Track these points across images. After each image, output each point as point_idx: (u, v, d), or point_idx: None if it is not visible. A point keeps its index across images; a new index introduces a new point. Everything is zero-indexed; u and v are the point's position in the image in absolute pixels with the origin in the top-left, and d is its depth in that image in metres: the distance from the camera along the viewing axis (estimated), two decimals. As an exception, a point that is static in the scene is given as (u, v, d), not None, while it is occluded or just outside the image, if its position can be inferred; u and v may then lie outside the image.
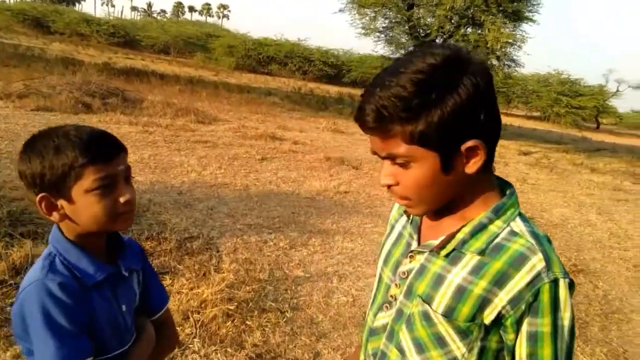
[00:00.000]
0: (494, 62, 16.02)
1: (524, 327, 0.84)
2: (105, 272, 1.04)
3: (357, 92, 28.38)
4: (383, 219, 5.51)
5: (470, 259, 0.88)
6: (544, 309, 0.82)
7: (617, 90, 45.42)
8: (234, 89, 18.45)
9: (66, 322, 0.93)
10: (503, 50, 15.07)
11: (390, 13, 16.94)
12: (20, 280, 2.87)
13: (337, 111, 17.09)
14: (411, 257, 0.97)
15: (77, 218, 0.99)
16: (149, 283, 1.23)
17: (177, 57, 39.43)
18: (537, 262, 0.82)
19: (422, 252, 0.95)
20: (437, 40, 17.07)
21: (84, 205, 0.97)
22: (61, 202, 0.98)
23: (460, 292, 0.87)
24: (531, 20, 15.93)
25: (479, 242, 0.88)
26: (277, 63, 39.11)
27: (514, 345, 0.87)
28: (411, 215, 1.02)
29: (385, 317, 1.00)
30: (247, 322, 2.93)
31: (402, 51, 19.21)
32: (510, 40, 14.70)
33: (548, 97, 36.59)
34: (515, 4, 15.15)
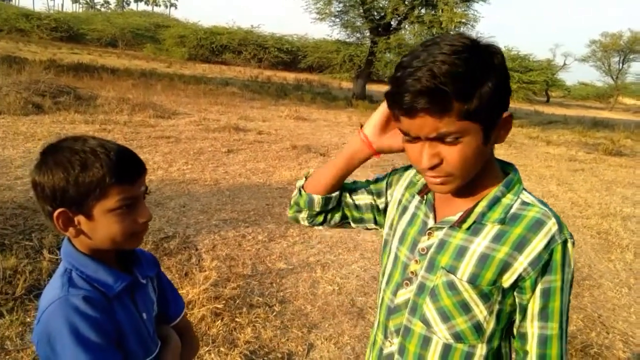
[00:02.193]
0: (449, 41, 16.24)
1: (539, 285, 0.93)
2: (125, 281, 1.01)
3: (315, 77, 28.37)
4: (357, 205, 5.53)
5: (491, 229, 0.95)
6: (557, 267, 0.92)
7: (564, 64, 47.19)
8: (190, 80, 18.02)
9: (96, 336, 0.89)
10: (457, 30, 15.30)
11: (345, -4, 16.89)
12: (-7, 296, 2.72)
13: (297, 98, 17.00)
14: (429, 233, 1.02)
15: (94, 235, 0.96)
16: (164, 290, 1.20)
17: (126, 49, 38.06)
18: (552, 225, 0.92)
19: (441, 228, 1.00)
20: (392, 23, 17.19)
21: (104, 224, 0.95)
22: (79, 218, 0.95)
23: (484, 259, 0.94)
24: (482, -1, 16.24)
25: (497, 213, 0.96)
26: (231, 52, 38.42)
27: (527, 304, 0.96)
28: (425, 196, 1.07)
29: (406, 294, 1.04)
30: (237, 320, 2.89)
31: (358, 35, 19.27)
32: (463, 20, 14.96)
33: None
34: (466, -17, 15.40)
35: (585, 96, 52.87)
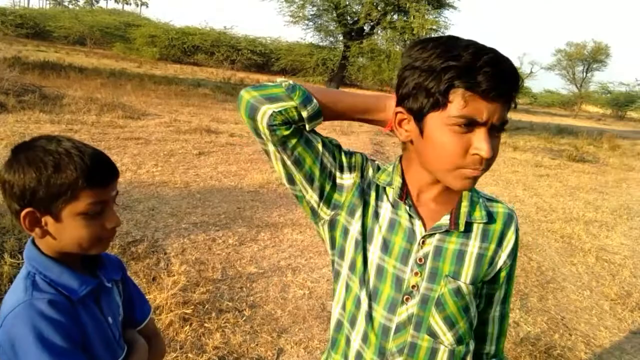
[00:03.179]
0: (420, 47, 16.52)
1: (505, 273, 1.04)
2: (89, 285, 0.99)
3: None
4: (328, 208, 5.55)
5: (477, 228, 0.99)
6: (516, 254, 1.04)
7: (531, 72, 48.50)
8: (160, 80, 17.76)
9: (61, 340, 0.88)
10: (428, 36, 15.57)
11: (318, 1, 16.97)
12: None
13: (269, 101, 16.95)
14: (423, 242, 0.97)
15: (60, 237, 0.95)
16: (130, 293, 1.18)
17: (94, 48, 37.25)
18: (516, 218, 1.03)
19: (432, 235, 0.98)
20: (365, 28, 17.35)
21: (71, 227, 0.94)
22: (47, 219, 0.93)
23: (480, 260, 0.98)
24: (452, 7, 16.57)
25: (478, 212, 0.99)
26: (204, 52, 38.06)
27: (494, 293, 1.05)
28: (406, 201, 0.99)
29: (409, 309, 0.98)
30: (206, 325, 2.86)
31: (331, 39, 19.38)
32: (434, 27, 15.22)
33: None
34: (437, -10, 15.69)
35: (551, 103, 54.52)
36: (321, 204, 1.03)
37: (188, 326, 2.80)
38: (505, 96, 0.84)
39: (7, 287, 2.87)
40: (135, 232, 4.09)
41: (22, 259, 3.24)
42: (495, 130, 0.87)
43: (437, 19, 15.63)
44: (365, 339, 1.01)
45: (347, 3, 16.57)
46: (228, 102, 15.15)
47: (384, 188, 1.02)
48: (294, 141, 0.97)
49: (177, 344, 2.64)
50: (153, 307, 2.89)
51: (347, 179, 1.02)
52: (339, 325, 1.07)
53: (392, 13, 16.12)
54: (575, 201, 7.74)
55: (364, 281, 1.01)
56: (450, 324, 0.98)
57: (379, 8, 15.86)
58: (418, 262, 0.97)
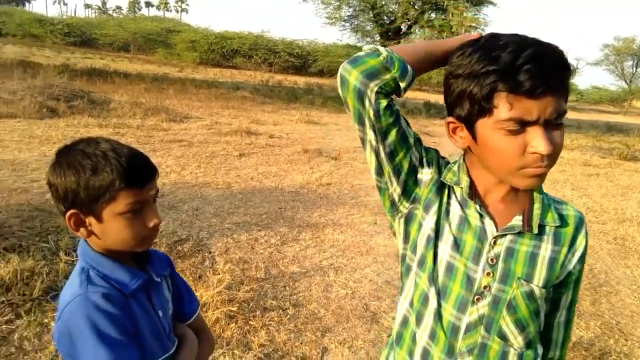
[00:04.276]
0: (460, 45, 16.22)
1: (574, 278, 1.02)
2: (140, 279, 1.02)
3: (326, 82, 28.41)
4: (369, 209, 5.53)
5: (549, 231, 0.96)
6: (584, 259, 1.01)
7: (577, 68, 46.84)
8: (201, 84, 18.13)
9: (115, 332, 0.91)
10: (467, 33, 15.28)
11: (355, 1, 16.94)
12: (12, 296, 2.76)
13: (308, 102, 17.02)
14: (495, 242, 0.96)
15: (104, 236, 0.98)
16: (178, 288, 1.21)
17: (138, 54, 38.43)
18: (585, 222, 1.00)
19: (503, 235, 0.96)
20: (402, 27, 17.19)
21: (113, 227, 0.97)
22: (90, 220, 0.97)
23: (552, 263, 0.96)
24: (491, 3, 16.19)
25: (550, 215, 0.97)
26: (242, 56, 38.64)
27: (561, 297, 1.02)
28: (476, 200, 0.97)
29: (480, 310, 0.97)
30: (251, 322, 2.89)
31: (368, 39, 19.28)
32: (473, 24, 14.91)
33: None
34: (476, -13, 15.37)
35: (599, 100, 52.41)
36: (402, 198, 1.03)
37: (234, 323, 2.85)
38: (553, 89, 0.82)
39: (63, 283, 2.99)
40: (180, 231, 4.18)
41: (76, 257, 3.36)
42: (552, 124, 0.84)
43: (476, 16, 15.32)
44: (433, 336, 1.00)
45: (384, 3, 16.47)
46: (267, 104, 15.31)
47: (452, 187, 1.02)
48: (393, 132, 0.96)
49: (223, 340, 2.69)
50: (200, 305, 2.95)
51: (426, 174, 1.02)
52: (405, 321, 1.06)
53: (429, 11, 15.92)
54: (628, 201, 7.41)
55: (432, 278, 1.00)
56: (522, 327, 0.96)
57: (416, 7, 15.69)
58: (490, 262, 0.96)
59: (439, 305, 0.99)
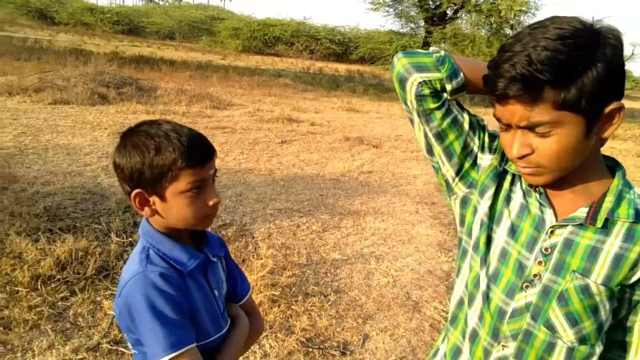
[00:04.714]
0: (508, 31, 15.69)
1: None
2: (198, 259, 1.06)
3: (367, 69, 28.15)
4: (411, 198, 5.48)
5: (621, 227, 0.90)
6: None
7: (632, 54, 44.53)
8: (244, 72, 18.33)
9: (170, 311, 0.95)
10: (517, 18, 14.73)
11: (399, -14, 16.61)
12: (67, 275, 2.90)
13: (349, 90, 16.94)
14: (552, 232, 0.94)
15: (167, 215, 1.02)
16: (232, 270, 1.25)
17: (183, 42, 39.16)
18: None
19: (564, 226, 0.93)
20: (448, 12, 16.78)
21: (175, 205, 1.00)
22: (154, 199, 1.01)
23: (618, 260, 0.89)
24: (544, -15, 15.53)
25: (625, 209, 0.89)
26: (284, 43, 38.67)
27: (639, 300, 0.93)
28: (537, 187, 0.98)
29: (527, 297, 0.97)
30: (293, 307, 2.94)
31: (412, 25, 18.94)
32: (524, 8, 14.36)
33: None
34: (527, -30, 14.75)
35: (655, 88, 49.65)
36: (457, 180, 1.08)
37: (276, 307, 2.90)
38: (516, 98, 0.82)
39: (115, 263, 3.13)
40: (225, 216, 4.28)
41: (127, 238, 3.49)
42: (532, 129, 0.85)
43: (527, 0, 14.73)
44: (481, 317, 1.03)
45: (430, -13, 16.08)
46: (308, 92, 15.33)
47: (518, 175, 1.02)
48: (438, 116, 1.03)
49: (266, 324, 2.74)
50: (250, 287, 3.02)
51: (486, 160, 1.05)
52: (461, 302, 1.10)
53: (477, -5, 15.45)
54: (685, 195, 7.03)
55: (485, 262, 1.02)
56: (573, 321, 0.93)
57: (463, -9, 15.26)
58: (544, 251, 0.95)
59: (488, 288, 1.02)
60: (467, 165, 1.06)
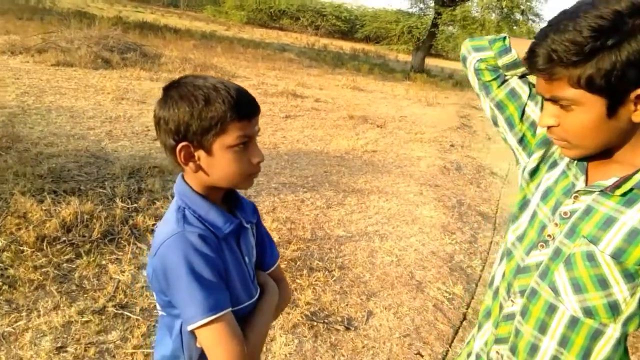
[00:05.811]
0: (518, 16, 15.49)
1: None
2: (233, 223, 1.03)
3: (372, 48, 27.81)
4: (415, 179, 5.46)
5: None
6: None
7: None
8: (248, 44, 18.08)
9: (209, 273, 0.92)
10: (528, 3, 14.51)
11: (411, -36, 16.28)
12: (73, 237, 2.88)
13: (354, 68, 16.74)
14: (575, 197, 0.96)
15: (211, 171, 0.98)
16: (262, 238, 1.22)
17: (187, 10, 38.53)
18: None
19: (589, 193, 0.94)
20: (459, -7, 16.50)
21: (221, 160, 0.96)
22: (199, 154, 0.97)
23: (634, 235, 0.86)
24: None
25: None
26: (289, 17, 38.14)
27: None
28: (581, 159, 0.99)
29: (540, 256, 1.00)
30: (298, 281, 2.94)
31: (421, 5, 18.64)
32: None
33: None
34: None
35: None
36: (520, 149, 1.15)
37: (281, 280, 2.90)
38: (540, 72, 0.85)
39: (120, 228, 3.11)
40: (229, 187, 4.25)
41: (131, 204, 3.46)
42: (556, 102, 0.88)
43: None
44: (503, 275, 1.10)
45: (442, -34, 15.77)
46: (312, 68, 15.15)
47: None
48: (495, 87, 1.16)
49: (271, 296, 2.75)
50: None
51: (540, 129, 1.11)
52: (497, 266, 1.16)
53: (490, -22, 15.19)
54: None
55: (516, 223, 1.10)
56: (577, 287, 0.92)
57: (476, -28, 14.98)
58: (562, 214, 0.97)
59: (514, 246, 1.08)
60: (528, 135, 1.13)
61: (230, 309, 0.94)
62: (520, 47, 1.10)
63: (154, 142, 5.11)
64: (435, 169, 6.06)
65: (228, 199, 1.10)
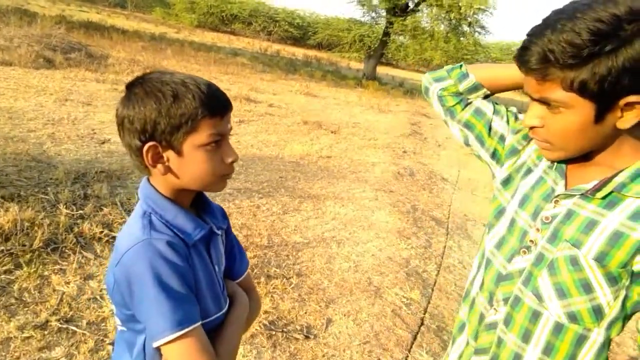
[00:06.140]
0: (466, 28, 16.05)
1: None
2: (203, 229, 0.96)
3: (324, 55, 28.02)
4: (370, 185, 5.49)
5: (630, 204, 0.86)
6: None
7: None
8: (200, 47, 17.75)
9: (178, 283, 0.85)
10: (475, 16, 15.06)
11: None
12: (12, 246, 2.69)
13: (307, 74, 16.79)
14: (556, 201, 0.95)
15: (182, 173, 0.91)
16: (232, 244, 1.15)
17: (135, 11, 37.43)
18: None
19: (570, 197, 0.93)
20: (409, 4, 16.92)
21: (192, 161, 0.89)
22: (168, 154, 0.89)
23: (617, 237, 0.85)
24: (501, -14, 15.94)
25: (638, 186, 0.86)
26: (241, 22, 37.84)
27: None
28: (557, 162, 0.99)
29: (522, 262, 0.99)
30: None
31: (373, 14, 18.97)
32: (482, 6, 14.69)
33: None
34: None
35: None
36: (494, 163, 1.16)
37: (238, 289, 2.81)
38: (532, 71, 0.84)
39: (64, 236, 2.93)
40: (182, 193, 4.11)
41: (77, 210, 3.27)
42: (546, 104, 0.86)
43: (485, -2, 15.06)
44: (482, 285, 1.08)
45: (394, -22, 16.11)
46: (266, 73, 15.05)
47: None
48: (459, 110, 1.19)
49: (227, 305, 2.65)
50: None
51: (509, 139, 1.13)
52: (473, 279, 1.15)
53: (439, -10, 15.65)
54: None
55: (493, 230, 1.09)
56: (561, 293, 0.91)
57: (426, -16, 15.40)
58: (544, 219, 0.96)
59: (492, 254, 1.07)
60: (499, 148, 1.14)
61: (200, 323, 0.87)
62: (476, 72, 1.17)
63: (101, 145, 4.88)
64: (389, 174, 6.13)
65: (196, 203, 1.03)
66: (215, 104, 0.89)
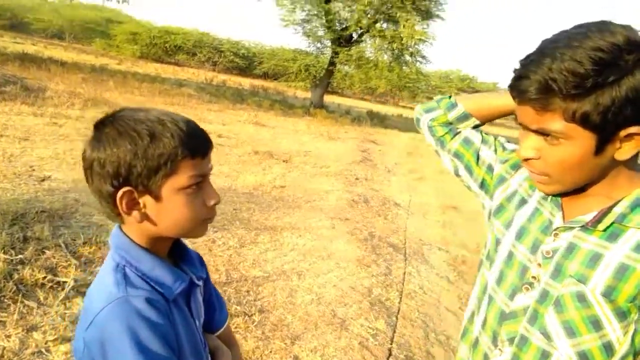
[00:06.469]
0: (408, 57, 16.64)
1: None
2: (184, 282, 0.87)
3: (270, 84, 28.23)
4: (325, 213, 5.45)
5: (632, 235, 0.83)
6: None
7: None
8: (144, 78, 17.39)
9: (158, 345, 0.75)
10: (416, 47, 15.66)
11: (309, 6, 16.90)
12: (-59, 299, 2.42)
13: (255, 104, 16.76)
14: (555, 234, 0.91)
15: (160, 219, 0.82)
16: (210, 294, 1.05)
17: (73, 43, 36.37)
18: None
19: (569, 229, 0.90)
20: (353, 35, 17.39)
21: (172, 206, 0.81)
22: (145, 200, 0.81)
23: (623, 271, 0.82)
24: (440, 18, 16.71)
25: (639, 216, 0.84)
26: (185, 53, 37.54)
27: None
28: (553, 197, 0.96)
29: (526, 299, 0.94)
30: (215, 330, 2.71)
31: (319, 45, 19.35)
32: (423, 37, 15.31)
33: (449, 92, 38.84)
34: (426, 1, 15.80)
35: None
36: (483, 193, 1.16)
37: (197, 330, 2.65)
38: (531, 101, 0.80)
39: (3, 284, 2.68)
40: (131, 230, 3.90)
41: (16, 255, 3.02)
42: (544, 135, 0.83)
43: (426, 30, 15.73)
44: (484, 323, 1.04)
45: (338, 10, 16.55)
46: (213, 103, 14.89)
47: None
48: (448, 139, 1.21)
49: (187, 349, 2.49)
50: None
51: (497, 169, 1.13)
52: (472, 315, 1.11)
53: (382, 22, 16.19)
54: None
55: (492, 265, 1.05)
56: (570, 331, 0.87)
57: (369, 16, 15.90)
58: (545, 254, 0.93)
59: (494, 291, 1.03)
60: (488, 178, 1.15)
61: None
62: (465, 102, 1.20)
63: (41, 183, 4.59)
64: (343, 202, 6.12)
65: (173, 251, 0.94)
66: (196, 143, 0.82)
